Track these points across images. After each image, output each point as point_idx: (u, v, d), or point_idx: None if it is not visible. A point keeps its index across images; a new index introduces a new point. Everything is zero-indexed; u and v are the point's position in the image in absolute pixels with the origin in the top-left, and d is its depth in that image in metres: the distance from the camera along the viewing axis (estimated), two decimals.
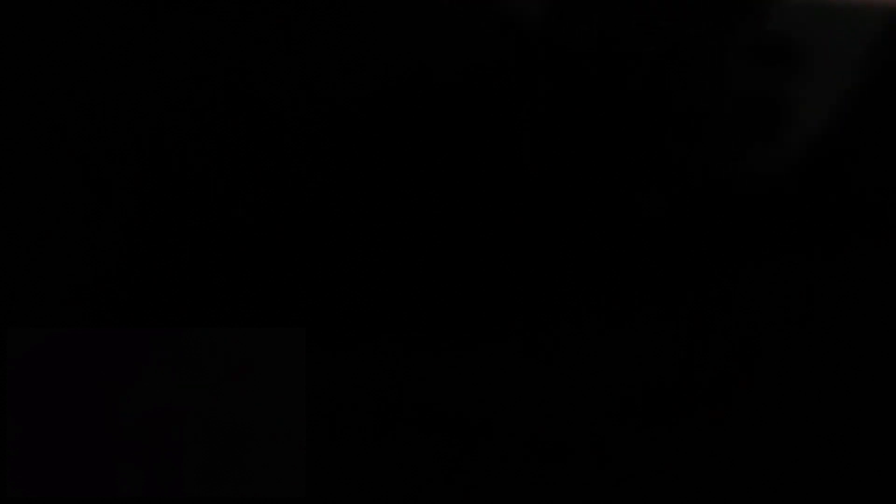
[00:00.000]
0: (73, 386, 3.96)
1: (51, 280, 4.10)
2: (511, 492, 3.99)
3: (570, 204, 4.23)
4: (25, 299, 4.03)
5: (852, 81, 4.37)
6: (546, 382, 4.09)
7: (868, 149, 4.38)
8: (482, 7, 4.29)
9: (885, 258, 4.22)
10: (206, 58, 4.21)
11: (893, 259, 4.21)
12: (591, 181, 4.25)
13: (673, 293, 4.18)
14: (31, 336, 3.99)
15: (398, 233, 4.22)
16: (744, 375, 4.11)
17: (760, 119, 4.34)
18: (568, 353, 4.10)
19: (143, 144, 4.23)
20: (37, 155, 4.20)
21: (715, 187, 4.29)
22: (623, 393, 4.05)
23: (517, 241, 4.23)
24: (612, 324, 4.13)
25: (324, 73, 4.29)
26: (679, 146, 4.29)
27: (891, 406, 4.07)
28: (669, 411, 4.01)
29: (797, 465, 4.03)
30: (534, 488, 4.03)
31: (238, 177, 4.22)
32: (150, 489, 3.90)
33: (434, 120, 4.25)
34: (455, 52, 4.27)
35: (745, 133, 4.33)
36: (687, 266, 4.19)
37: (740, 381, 4.10)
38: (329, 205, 4.25)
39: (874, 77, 4.35)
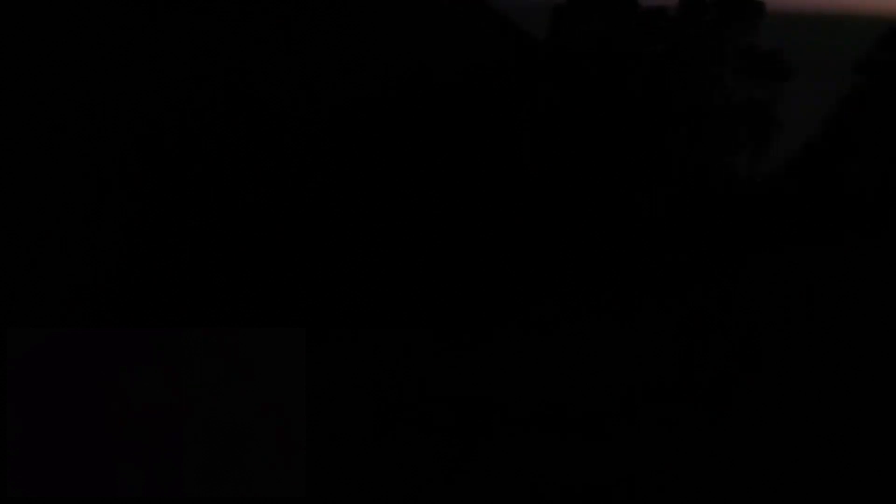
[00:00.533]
0: (73, 386, 3.98)
1: (51, 280, 4.12)
2: (511, 491, 4.00)
3: (570, 205, 4.27)
4: (25, 299, 4.05)
5: (845, 89, 4.54)
6: (546, 382, 4.11)
7: (861, 154, 4.47)
8: (484, 11, 4.34)
9: (878, 258, 4.27)
10: (206, 59, 4.24)
11: (888, 259, 4.26)
12: (591, 182, 4.30)
13: (672, 292, 4.21)
14: (31, 336, 4.01)
15: (399, 235, 4.26)
16: (743, 372, 4.14)
17: (757, 124, 4.43)
18: (568, 352, 4.13)
19: (144, 148, 4.26)
20: (37, 157, 4.23)
21: (713, 189, 4.35)
22: (623, 393, 4.08)
23: (517, 242, 4.26)
24: (612, 322, 4.16)
25: (324, 75, 4.33)
26: (679, 149, 4.36)
27: (889, 403, 4.10)
28: (669, 411, 4.03)
29: (796, 462, 4.06)
30: (534, 487, 4.04)
31: (238, 179, 4.25)
32: (150, 489, 3.91)
33: (435, 121, 4.29)
34: (457, 55, 4.32)
35: (742, 137, 4.43)
36: (685, 265, 4.22)
37: (738, 376, 4.12)
38: (329, 206, 4.29)
39: (867, 85, 4.48)
